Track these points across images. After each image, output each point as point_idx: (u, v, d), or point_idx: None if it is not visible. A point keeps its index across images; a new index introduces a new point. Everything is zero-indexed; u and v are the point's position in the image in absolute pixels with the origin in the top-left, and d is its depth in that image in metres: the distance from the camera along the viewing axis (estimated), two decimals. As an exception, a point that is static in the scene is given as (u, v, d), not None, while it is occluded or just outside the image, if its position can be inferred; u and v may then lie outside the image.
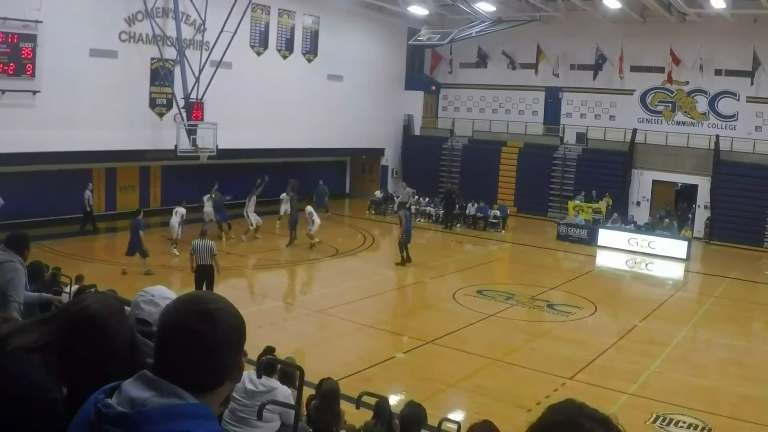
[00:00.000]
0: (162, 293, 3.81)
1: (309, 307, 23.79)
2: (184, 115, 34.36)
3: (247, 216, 33.93)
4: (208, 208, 33.49)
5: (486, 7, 42.32)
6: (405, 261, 30.12)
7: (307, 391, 11.33)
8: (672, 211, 42.52)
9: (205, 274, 21.33)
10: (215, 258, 21.61)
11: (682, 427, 15.00)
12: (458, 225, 41.18)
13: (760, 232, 39.26)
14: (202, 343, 2.36)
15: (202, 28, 35.26)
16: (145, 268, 25.66)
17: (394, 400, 14.22)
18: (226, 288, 22.94)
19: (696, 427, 15.00)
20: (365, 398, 11.58)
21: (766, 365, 20.08)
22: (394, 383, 16.99)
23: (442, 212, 41.92)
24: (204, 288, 20.69)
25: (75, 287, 13.84)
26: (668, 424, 15.04)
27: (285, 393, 9.79)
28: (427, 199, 44.04)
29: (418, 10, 45.00)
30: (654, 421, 15.13)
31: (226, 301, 2.52)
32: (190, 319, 2.39)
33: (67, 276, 15.98)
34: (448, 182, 48.47)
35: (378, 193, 46.20)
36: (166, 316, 2.47)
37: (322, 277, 29.30)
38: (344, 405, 11.22)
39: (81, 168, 33.91)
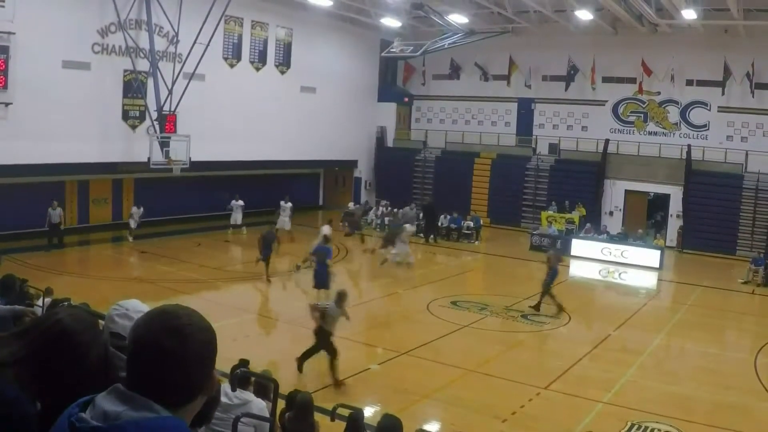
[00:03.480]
0: (135, 307, 3.78)
1: (284, 320, 23.75)
2: (157, 127, 34.21)
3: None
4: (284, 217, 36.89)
5: (458, 19, 42.40)
6: (560, 308, 25.72)
7: (282, 404, 11.33)
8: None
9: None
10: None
11: (656, 435, 15.06)
12: (436, 238, 41.00)
13: (732, 241, 39.53)
14: (172, 359, 2.34)
15: (175, 40, 35.14)
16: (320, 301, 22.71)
17: (369, 411, 14.24)
18: (199, 301, 22.87)
19: (670, 435, 15.07)
20: (340, 410, 11.58)
21: (739, 372, 20.17)
22: (368, 395, 16.97)
23: (423, 224, 41.78)
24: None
25: (47, 300, 13.77)
26: (643, 432, 15.11)
27: (260, 406, 9.76)
28: (400, 211, 44.00)
29: (391, 22, 45.06)
30: (629, 430, 15.16)
31: (197, 314, 2.50)
32: (160, 336, 2.37)
33: (38, 289, 15.90)
34: (421, 194, 48.47)
35: (351, 205, 46.12)
36: (136, 331, 2.45)
37: (297, 289, 29.19)
38: (319, 417, 11.21)
39: (53, 180, 33.76)
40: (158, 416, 2.30)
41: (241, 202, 38.11)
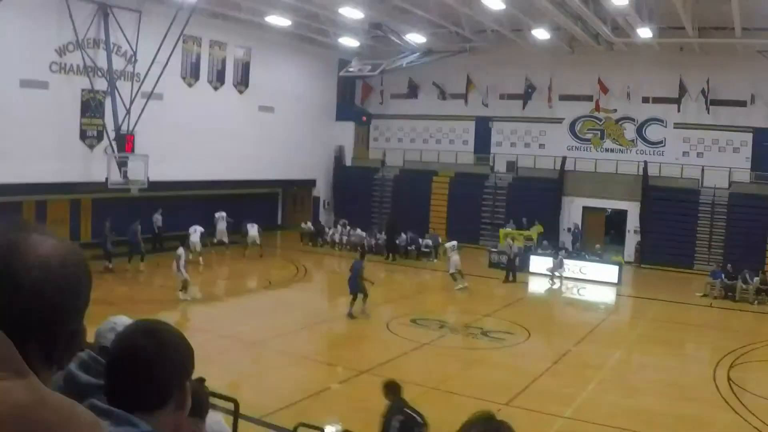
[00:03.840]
0: (124, 322, 3.82)
1: (244, 340, 23.61)
2: (115, 147, 34.03)
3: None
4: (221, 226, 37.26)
5: (416, 39, 42.54)
6: None
7: (242, 424, 11.26)
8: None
9: None
10: None
11: (618, 448, 15.13)
12: (396, 257, 40.98)
13: (690, 255, 39.97)
14: (144, 355, 2.33)
15: (133, 59, 35.04)
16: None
17: (330, 430, 14.18)
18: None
19: (632, 448, 15.15)
20: (301, 429, 11.54)
21: (698, 384, 20.37)
22: (330, 414, 16.90)
23: (383, 242, 41.79)
24: None
25: None
26: (604, 447, 15.17)
27: (215, 418, 9.70)
28: (358, 230, 43.98)
29: (349, 42, 45.09)
30: (591, 444, 15.24)
31: (176, 328, 2.51)
32: (135, 335, 2.39)
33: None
34: (379, 213, 48.58)
35: (307, 224, 45.89)
36: (115, 339, 2.48)
37: (257, 308, 29.04)
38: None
39: (11, 201, 33.39)
40: (140, 430, 2.29)
41: (223, 214, 38.94)
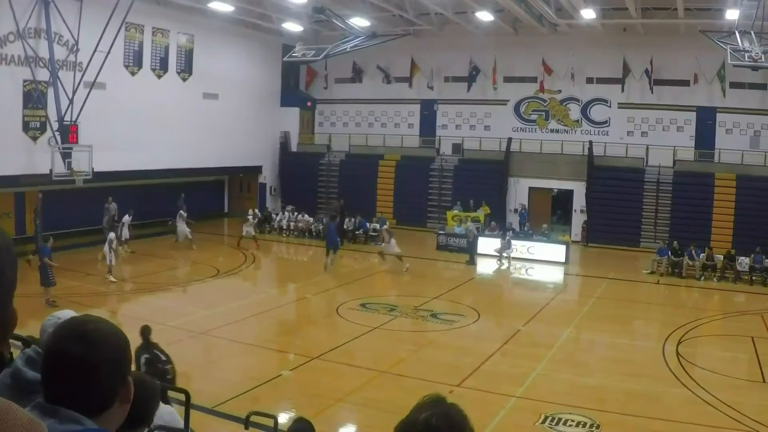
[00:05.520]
0: (67, 316, 3.69)
1: (192, 329, 23.42)
2: (59, 138, 33.48)
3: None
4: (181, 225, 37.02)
5: (360, 23, 42.36)
6: None
7: (194, 414, 11.15)
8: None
9: None
10: None
11: (570, 425, 15.20)
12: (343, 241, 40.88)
13: (636, 233, 40.37)
14: (78, 364, 2.26)
15: (75, 48, 34.42)
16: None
17: (283, 418, 14.09)
18: (105, 314, 22.45)
19: (584, 424, 15.22)
20: (253, 418, 11.45)
21: (648, 361, 20.56)
22: (282, 401, 16.82)
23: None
24: None
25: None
26: (557, 424, 15.22)
27: (167, 410, 9.60)
28: (305, 215, 43.79)
29: (293, 27, 44.84)
30: (543, 422, 15.29)
31: (107, 322, 2.42)
32: (67, 343, 2.29)
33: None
34: (326, 198, 48.47)
35: (254, 211, 45.48)
36: (47, 341, 2.40)
37: (205, 297, 28.78)
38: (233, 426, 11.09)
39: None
40: (85, 428, 2.22)
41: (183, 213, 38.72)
